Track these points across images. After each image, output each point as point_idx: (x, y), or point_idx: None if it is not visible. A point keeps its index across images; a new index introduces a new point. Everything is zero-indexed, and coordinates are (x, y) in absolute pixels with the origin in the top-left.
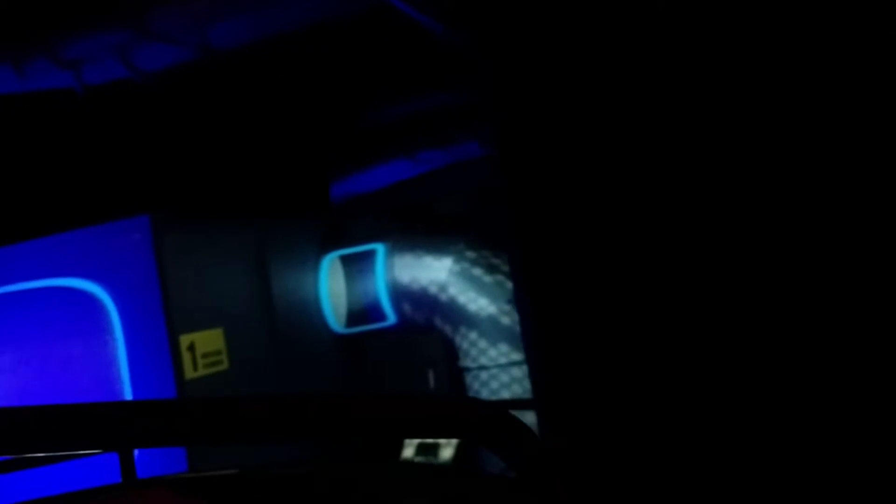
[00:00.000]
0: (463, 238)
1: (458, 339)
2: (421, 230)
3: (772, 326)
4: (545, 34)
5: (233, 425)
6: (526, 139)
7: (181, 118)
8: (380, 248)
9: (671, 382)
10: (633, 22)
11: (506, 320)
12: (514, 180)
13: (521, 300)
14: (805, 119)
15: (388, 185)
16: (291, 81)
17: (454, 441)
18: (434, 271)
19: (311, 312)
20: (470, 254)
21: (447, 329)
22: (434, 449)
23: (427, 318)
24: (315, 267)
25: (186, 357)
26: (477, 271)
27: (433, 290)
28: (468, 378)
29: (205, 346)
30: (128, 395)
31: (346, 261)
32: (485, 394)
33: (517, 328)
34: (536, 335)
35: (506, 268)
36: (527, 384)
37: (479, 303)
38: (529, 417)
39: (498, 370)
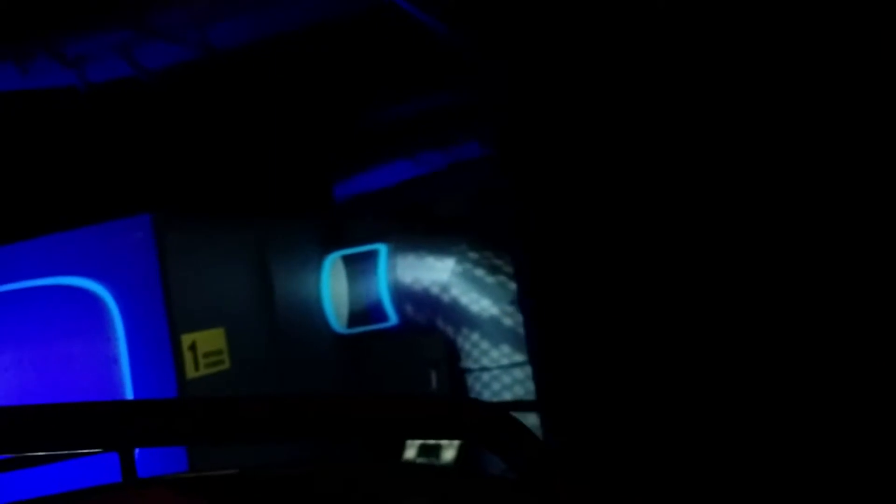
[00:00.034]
0: (465, 239)
1: (460, 341)
2: (423, 231)
3: (774, 327)
4: (546, 34)
5: (232, 425)
6: (528, 139)
7: (183, 118)
8: (382, 249)
9: (675, 384)
10: (633, 22)
11: (508, 321)
12: (516, 181)
13: (525, 302)
14: (805, 119)
15: (389, 186)
16: (292, 81)
17: (456, 442)
18: (436, 272)
19: (312, 313)
20: (472, 255)
21: (449, 330)
22: (436, 450)
23: (429, 318)
24: (317, 267)
25: (188, 356)
26: (479, 272)
27: (435, 290)
28: (470, 379)
29: (206, 345)
30: (129, 394)
31: (348, 261)
32: (486, 395)
33: (519, 329)
34: (540, 337)
35: (508, 269)
36: (529, 386)
37: (481, 304)
38: (531, 419)
39: (500, 372)
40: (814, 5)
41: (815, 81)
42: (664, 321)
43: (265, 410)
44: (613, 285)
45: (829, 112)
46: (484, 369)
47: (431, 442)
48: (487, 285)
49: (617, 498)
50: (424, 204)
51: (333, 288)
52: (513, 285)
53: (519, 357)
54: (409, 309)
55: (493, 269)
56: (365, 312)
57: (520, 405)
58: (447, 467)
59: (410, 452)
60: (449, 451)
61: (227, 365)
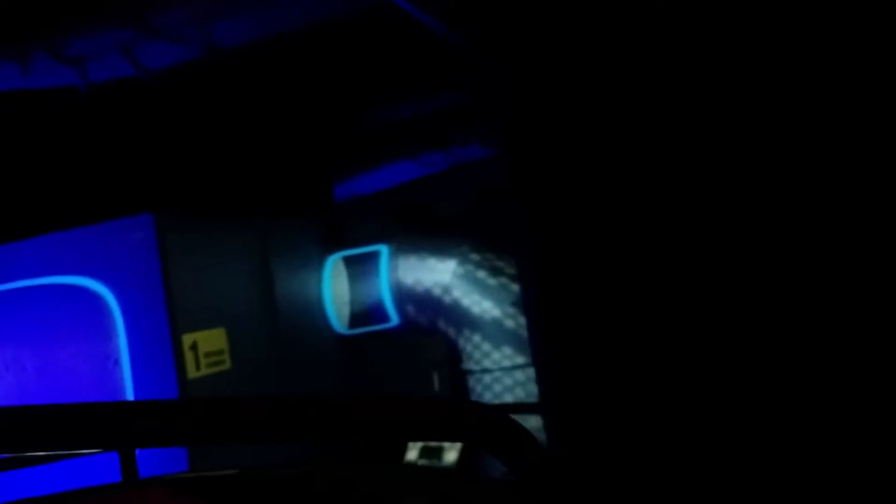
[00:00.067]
0: (467, 240)
1: (461, 342)
2: (424, 232)
3: (781, 330)
4: (546, 34)
5: (231, 426)
6: (529, 140)
7: (184, 118)
8: (383, 250)
9: (679, 386)
10: (633, 22)
11: (510, 323)
12: (518, 182)
13: (529, 304)
14: (806, 118)
15: (389, 187)
16: (293, 81)
17: (458, 444)
18: (438, 273)
19: (313, 313)
20: (474, 256)
21: (451, 331)
22: (438, 452)
23: (430, 320)
24: (318, 267)
25: (189, 356)
26: (481, 274)
27: (437, 292)
28: (471, 381)
29: (207, 345)
30: (130, 394)
31: (350, 262)
32: (488, 397)
33: (521, 331)
34: (544, 340)
35: (510, 270)
36: (530, 388)
37: (483, 305)
38: (533, 421)
39: (501, 373)
40: (814, 5)
41: (816, 81)
42: (668, 323)
43: (264, 410)
44: (617, 287)
45: (830, 112)
46: (485, 371)
47: (433, 444)
48: (489, 287)
49: (618, 500)
50: (425, 205)
51: (335, 288)
52: (514, 287)
53: (520, 359)
54: (410, 310)
55: (495, 271)
56: (366, 313)
57: (521, 407)
58: (447, 469)
59: (412, 454)
60: (451, 453)
61: (227, 365)
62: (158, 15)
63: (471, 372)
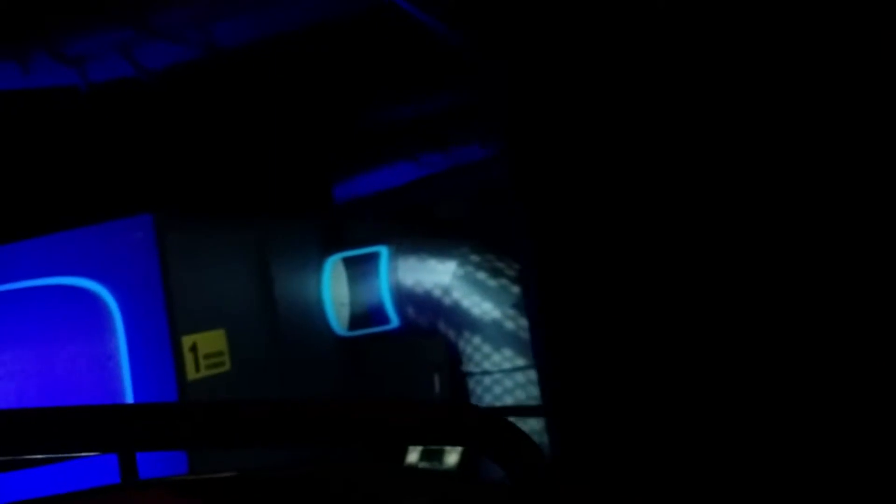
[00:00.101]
0: (467, 241)
1: (461, 344)
2: (424, 233)
3: (787, 334)
4: (546, 34)
5: (229, 429)
6: (531, 140)
7: (184, 118)
8: (383, 251)
9: (681, 387)
10: (633, 22)
11: (510, 325)
12: (521, 183)
13: (532, 307)
14: (806, 118)
15: (389, 188)
16: (293, 81)
17: (458, 447)
18: (438, 275)
19: (313, 315)
20: (474, 257)
21: (451, 333)
22: (439, 454)
23: (430, 321)
24: (317, 268)
25: (188, 358)
26: (481, 275)
27: (437, 293)
28: (471, 383)
29: (207, 347)
30: (129, 395)
31: (349, 263)
32: (488, 399)
33: (521, 333)
34: (546, 341)
35: (510, 272)
36: (531, 390)
37: (483, 307)
38: (532, 423)
39: (502, 375)
40: (814, 5)
41: (816, 81)
42: (670, 323)
43: (261, 414)
44: (619, 288)
45: (830, 111)
46: (486, 373)
47: (434, 446)
48: (489, 288)
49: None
50: (425, 205)
51: (334, 290)
52: (515, 289)
53: (521, 361)
54: (410, 312)
55: (495, 273)
56: (366, 315)
57: (522, 410)
58: (447, 471)
59: (413, 456)
60: (452, 456)
61: (227, 367)
62: (158, 15)
63: (471, 374)
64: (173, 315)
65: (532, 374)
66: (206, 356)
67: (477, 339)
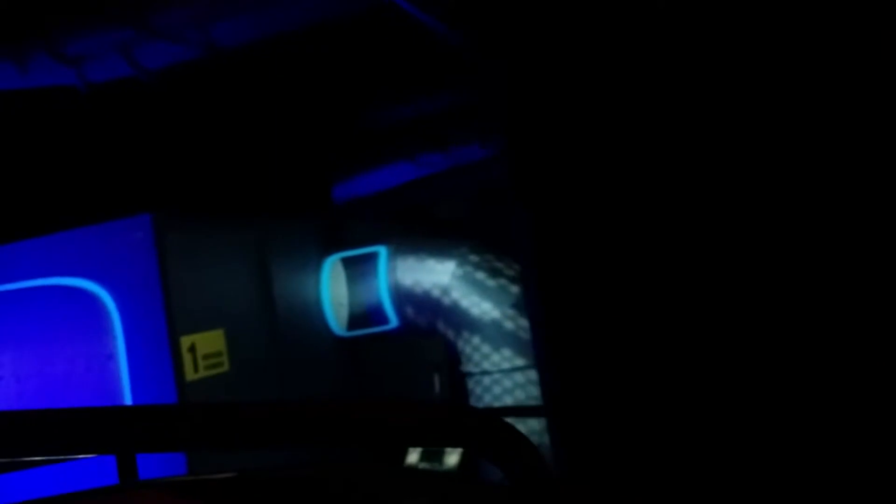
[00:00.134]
0: (466, 241)
1: (460, 344)
2: (424, 233)
3: (785, 330)
4: (546, 34)
5: (228, 431)
6: (531, 140)
7: (183, 118)
8: (382, 251)
9: (683, 386)
10: (633, 22)
11: (509, 325)
12: (521, 182)
13: (532, 306)
14: (806, 118)
15: (389, 188)
16: (292, 81)
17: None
18: (437, 275)
19: (312, 315)
20: (473, 257)
21: (450, 333)
22: (439, 455)
23: (429, 322)
24: (316, 268)
25: (187, 358)
26: (480, 275)
27: (436, 293)
28: (470, 383)
29: (206, 347)
30: (128, 396)
31: (348, 263)
32: (487, 399)
33: (521, 333)
34: (547, 341)
35: (509, 272)
36: (530, 390)
37: (482, 307)
38: (533, 424)
39: (501, 375)
40: (814, 5)
41: (816, 81)
42: (674, 325)
43: (257, 416)
44: (621, 287)
45: (830, 111)
46: (485, 373)
47: (432, 447)
48: (488, 288)
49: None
50: (424, 206)
51: (333, 290)
52: (514, 288)
53: (520, 361)
54: (409, 312)
55: (495, 273)
56: (365, 315)
57: (522, 410)
58: (447, 472)
59: (413, 457)
60: (452, 457)
61: (226, 367)
62: (158, 15)
63: (470, 374)
64: (172, 315)
65: (531, 374)
66: (205, 356)
67: (476, 339)
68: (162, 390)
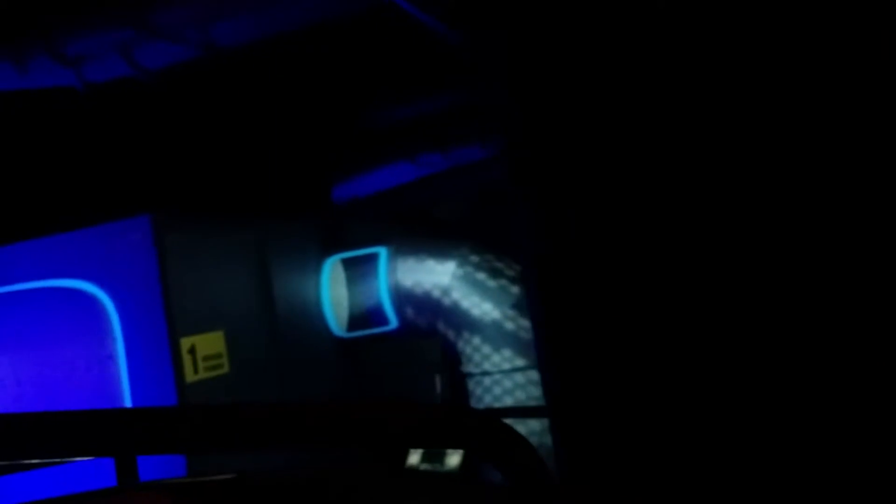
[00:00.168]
0: (467, 242)
1: (460, 344)
2: (424, 233)
3: (790, 332)
4: (546, 34)
5: (228, 433)
6: (532, 141)
7: (182, 118)
8: (382, 252)
9: (689, 389)
10: (633, 22)
11: (510, 325)
12: (523, 182)
13: (534, 306)
14: (806, 118)
15: (389, 188)
16: (292, 82)
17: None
18: (437, 275)
19: (312, 316)
20: (473, 258)
21: (450, 334)
22: (440, 456)
23: (430, 322)
24: (316, 269)
25: (187, 360)
26: (481, 276)
27: (436, 294)
28: (471, 384)
29: (205, 349)
30: (127, 398)
31: (348, 264)
32: (488, 399)
33: (521, 334)
34: (549, 342)
35: (510, 272)
36: (531, 390)
37: (482, 307)
38: (533, 424)
39: (501, 376)
40: (814, 5)
41: (816, 81)
42: (678, 325)
43: (253, 417)
44: (624, 289)
45: (830, 112)
46: (485, 373)
47: (428, 448)
48: (489, 289)
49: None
50: (424, 206)
51: (333, 291)
52: (514, 289)
53: (520, 361)
54: (409, 312)
55: (495, 273)
56: (365, 316)
57: (523, 411)
58: (448, 473)
59: (414, 458)
60: (453, 458)
61: (226, 369)
62: (158, 14)
63: (470, 375)
64: (172, 317)
65: (532, 375)
66: (205, 358)
67: (476, 340)
68: (162, 392)
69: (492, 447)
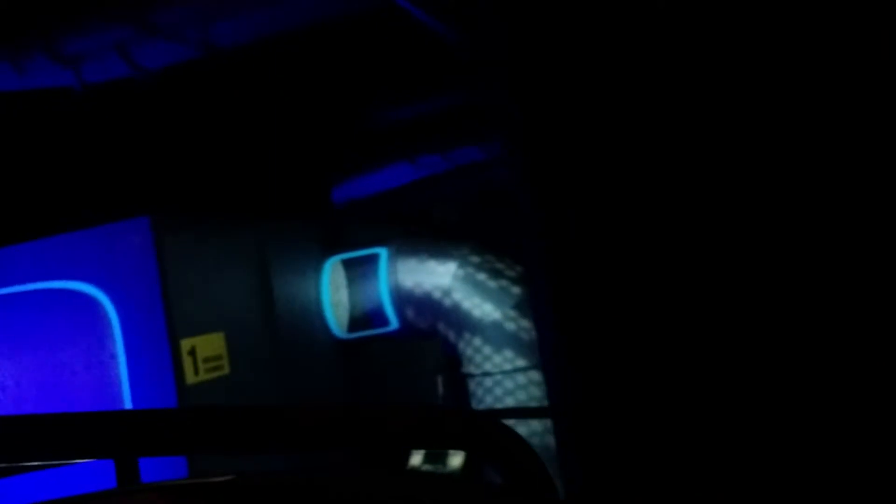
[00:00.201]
0: (467, 242)
1: (461, 345)
2: (424, 234)
3: (806, 338)
4: (547, 35)
5: (228, 434)
6: (534, 140)
7: (182, 119)
8: (382, 253)
9: (697, 390)
10: (633, 22)
11: (510, 326)
12: (526, 182)
13: (539, 308)
14: (806, 119)
15: (389, 189)
16: (292, 82)
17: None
18: (438, 276)
19: (312, 317)
20: (474, 258)
21: (451, 335)
22: (442, 457)
23: (430, 323)
24: (317, 270)
25: (187, 362)
26: (481, 276)
27: (437, 295)
28: (472, 385)
29: (206, 350)
30: (127, 400)
31: (349, 265)
32: (489, 400)
33: (522, 334)
34: (553, 343)
35: (510, 273)
36: (532, 391)
37: (483, 308)
38: (535, 425)
39: (502, 377)
40: (813, 5)
41: (816, 81)
42: (684, 324)
43: (246, 420)
44: (631, 289)
45: (830, 111)
46: (486, 375)
47: (425, 449)
48: (489, 290)
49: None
50: (424, 207)
51: (333, 292)
52: (515, 289)
53: (521, 362)
54: (410, 313)
55: (496, 274)
56: (365, 317)
57: (525, 411)
58: (450, 474)
59: (417, 459)
60: (456, 459)
61: (226, 370)
62: (158, 13)
63: (471, 375)
64: (172, 318)
65: (533, 376)
66: (206, 360)
67: (477, 341)
68: (162, 394)
69: (490, 448)
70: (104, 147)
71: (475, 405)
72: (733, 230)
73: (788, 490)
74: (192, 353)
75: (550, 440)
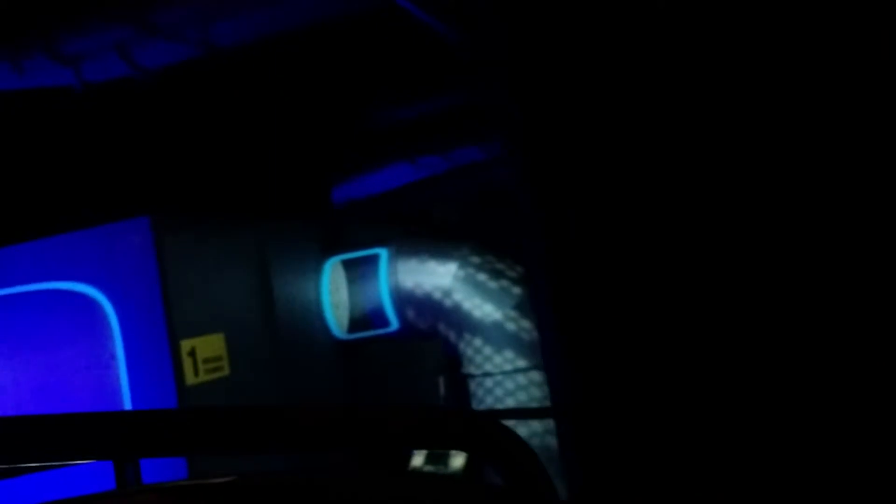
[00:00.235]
0: (467, 243)
1: (462, 346)
2: (424, 235)
3: (808, 339)
4: (547, 35)
5: (228, 435)
6: (535, 141)
7: (182, 119)
8: (382, 253)
9: (699, 390)
10: (633, 22)
11: (511, 326)
12: (528, 182)
13: (540, 307)
14: (806, 119)
15: (389, 190)
16: (292, 82)
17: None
18: (438, 276)
19: (312, 318)
20: (475, 259)
21: (451, 335)
22: (444, 458)
23: (431, 324)
24: (317, 271)
25: (187, 363)
26: (482, 277)
27: (437, 295)
28: (472, 385)
29: (206, 351)
30: (127, 401)
31: (349, 265)
32: (489, 401)
33: (523, 335)
34: (555, 343)
35: (511, 273)
36: (532, 391)
37: (484, 309)
38: (535, 426)
39: (503, 377)
40: (814, 5)
41: (816, 81)
42: (685, 324)
43: (243, 421)
44: (635, 289)
45: (830, 111)
46: (487, 375)
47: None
48: (490, 290)
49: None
50: (425, 207)
51: (333, 293)
52: (516, 290)
53: (522, 362)
54: (410, 314)
55: (496, 274)
56: (365, 317)
57: (525, 412)
58: (452, 475)
59: (418, 460)
60: (457, 459)
61: (226, 371)
62: (158, 13)
63: (472, 376)
64: (171, 319)
65: (533, 376)
66: (206, 360)
67: (478, 341)
68: (161, 395)
69: (489, 449)
70: (104, 147)
71: (476, 406)
72: (733, 230)
73: (788, 489)
74: (192, 353)
75: (551, 441)
